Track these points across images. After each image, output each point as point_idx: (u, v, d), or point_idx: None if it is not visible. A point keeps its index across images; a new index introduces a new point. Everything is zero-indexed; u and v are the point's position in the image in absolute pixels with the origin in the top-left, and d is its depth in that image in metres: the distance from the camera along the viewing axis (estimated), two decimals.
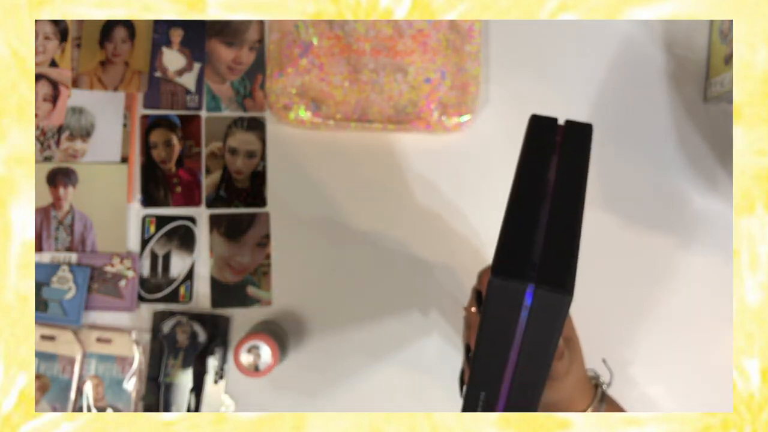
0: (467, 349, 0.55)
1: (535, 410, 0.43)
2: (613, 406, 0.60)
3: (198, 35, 0.75)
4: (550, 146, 0.45)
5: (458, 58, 0.74)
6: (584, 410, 0.57)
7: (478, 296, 0.55)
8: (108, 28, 0.75)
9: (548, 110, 0.75)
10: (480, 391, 0.42)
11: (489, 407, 0.43)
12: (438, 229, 0.74)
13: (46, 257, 0.73)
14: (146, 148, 0.75)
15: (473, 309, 0.56)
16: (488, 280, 0.38)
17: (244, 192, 0.74)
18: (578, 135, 0.46)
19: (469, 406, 0.43)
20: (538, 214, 0.40)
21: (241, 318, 0.74)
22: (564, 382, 0.55)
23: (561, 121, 0.48)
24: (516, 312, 0.38)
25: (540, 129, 0.46)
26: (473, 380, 0.42)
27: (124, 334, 0.72)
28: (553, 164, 0.44)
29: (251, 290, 0.74)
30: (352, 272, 0.74)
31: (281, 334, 0.72)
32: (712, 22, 0.76)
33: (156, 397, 0.72)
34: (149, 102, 0.75)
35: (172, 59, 0.75)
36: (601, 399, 0.59)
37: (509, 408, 0.42)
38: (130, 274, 0.73)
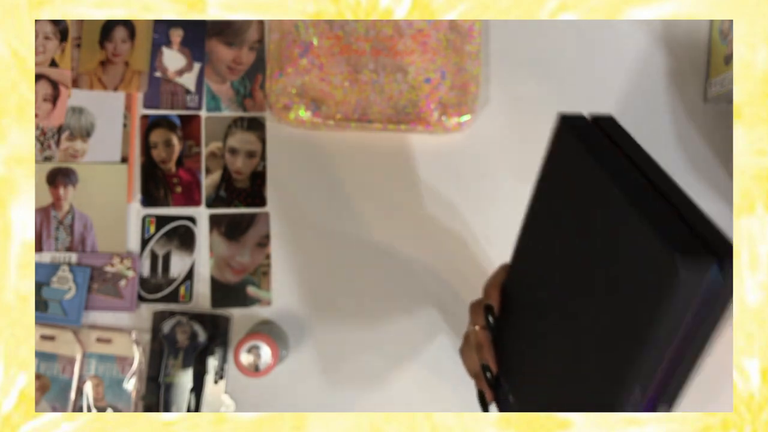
0: (485, 369, 0.53)
1: (687, 383, 0.41)
2: None
3: (198, 35, 0.76)
4: (613, 149, 0.44)
5: (458, 58, 0.74)
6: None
7: (487, 310, 0.53)
8: (108, 28, 0.75)
9: (548, 111, 0.75)
10: (635, 386, 0.40)
11: (639, 400, 0.40)
12: (438, 229, 0.74)
13: (46, 257, 0.73)
14: (146, 148, 0.75)
15: (478, 327, 0.54)
16: (674, 262, 0.35)
17: (244, 192, 0.74)
18: (619, 132, 0.45)
19: (617, 407, 0.41)
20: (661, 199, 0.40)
21: (241, 318, 0.74)
22: None
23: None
24: (695, 294, 0.36)
25: (591, 132, 0.45)
26: (628, 380, 0.40)
27: (124, 334, 0.72)
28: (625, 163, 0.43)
29: (251, 290, 0.74)
30: (352, 272, 0.74)
31: (281, 334, 0.72)
32: (712, 22, 0.76)
33: (156, 397, 0.72)
34: (149, 102, 0.75)
35: (172, 59, 0.75)
36: None
37: (661, 392, 0.40)
38: (130, 274, 0.73)
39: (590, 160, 0.42)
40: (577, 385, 0.44)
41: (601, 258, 0.41)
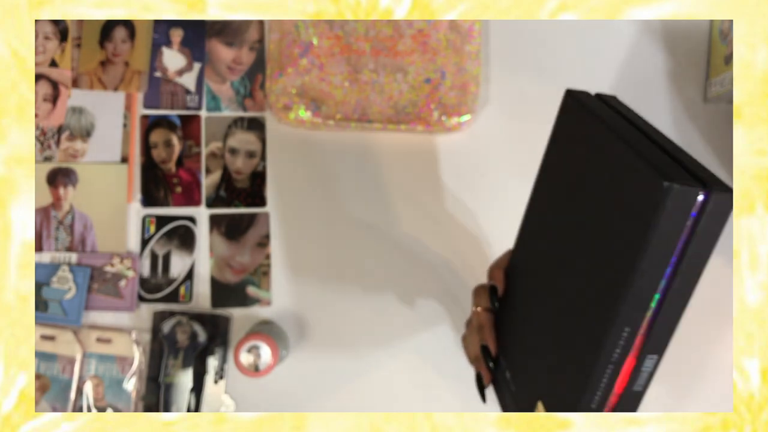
0: (485, 350, 0.54)
1: (674, 331, 0.41)
2: None
3: (198, 35, 0.76)
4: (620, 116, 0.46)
5: (458, 58, 0.74)
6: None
7: (492, 291, 0.55)
8: (108, 28, 0.75)
9: (548, 111, 0.75)
10: (624, 327, 0.40)
11: (629, 344, 0.41)
12: (438, 228, 0.74)
13: (46, 257, 0.73)
14: (146, 148, 0.75)
15: (479, 309, 0.55)
16: (661, 186, 0.36)
17: (244, 192, 0.74)
18: (621, 105, 0.48)
19: (605, 350, 0.41)
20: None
21: (241, 318, 0.74)
22: None
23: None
24: (683, 223, 0.37)
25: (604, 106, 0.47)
26: (617, 321, 0.40)
27: (124, 334, 0.72)
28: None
29: (251, 290, 0.74)
30: (352, 272, 0.74)
31: (281, 334, 0.72)
32: (712, 22, 0.76)
33: (156, 397, 0.72)
34: (149, 102, 0.75)
35: (172, 59, 0.75)
36: None
37: (651, 338, 0.40)
38: (130, 274, 0.73)
39: (592, 121, 0.44)
40: (570, 338, 0.44)
41: (596, 203, 0.42)
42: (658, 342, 0.41)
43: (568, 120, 0.48)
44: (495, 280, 0.55)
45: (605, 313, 0.40)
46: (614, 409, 0.43)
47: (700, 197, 0.36)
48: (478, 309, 0.55)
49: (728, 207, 0.37)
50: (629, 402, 0.43)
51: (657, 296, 0.39)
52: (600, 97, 0.48)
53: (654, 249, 0.38)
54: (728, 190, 0.36)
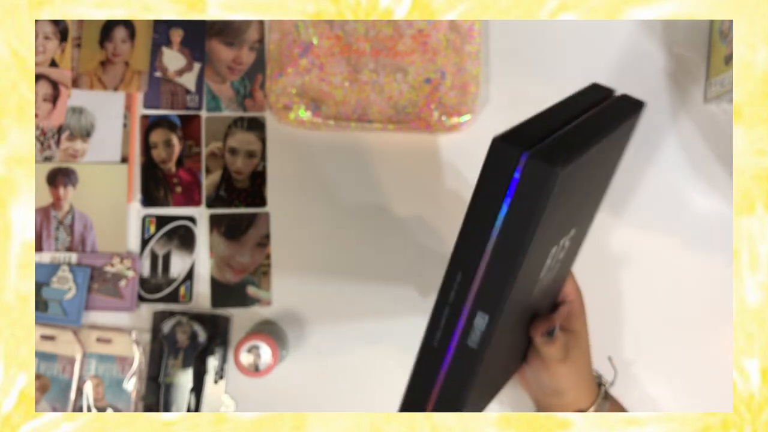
0: None
1: (505, 299, 0.43)
2: (616, 406, 0.61)
3: (198, 35, 0.76)
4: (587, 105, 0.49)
5: (458, 58, 0.74)
6: (588, 408, 0.58)
7: None
8: (108, 28, 0.75)
9: None
10: (457, 271, 0.44)
11: (463, 290, 0.44)
12: (438, 229, 0.74)
13: (46, 257, 0.73)
14: (146, 148, 0.75)
15: None
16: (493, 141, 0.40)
17: (244, 192, 0.74)
18: (624, 108, 0.50)
19: (445, 287, 0.44)
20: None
21: (241, 318, 0.74)
22: (560, 369, 0.56)
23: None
24: (506, 179, 0.40)
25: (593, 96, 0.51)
26: (453, 261, 0.44)
27: (124, 334, 0.72)
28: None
29: (251, 290, 0.74)
30: (353, 272, 0.74)
31: (281, 334, 0.72)
32: (712, 22, 0.76)
33: (156, 397, 0.72)
34: (149, 102, 0.75)
35: (172, 59, 0.75)
36: (604, 398, 0.59)
37: (480, 293, 0.43)
38: (130, 274, 0.73)
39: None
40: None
41: None
42: (487, 299, 0.43)
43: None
44: None
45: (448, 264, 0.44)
46: (452, 360, 0.46)
47: (521, 158, 0.39)
48: None
49: (545, 177, 0.38)
50: (467, 357, 0.45)
51: (486, 250, 0.42)
52: (617, 98, 0.50)
53: (481, 200, 0.41)
54: (551, 161, 0.38)
